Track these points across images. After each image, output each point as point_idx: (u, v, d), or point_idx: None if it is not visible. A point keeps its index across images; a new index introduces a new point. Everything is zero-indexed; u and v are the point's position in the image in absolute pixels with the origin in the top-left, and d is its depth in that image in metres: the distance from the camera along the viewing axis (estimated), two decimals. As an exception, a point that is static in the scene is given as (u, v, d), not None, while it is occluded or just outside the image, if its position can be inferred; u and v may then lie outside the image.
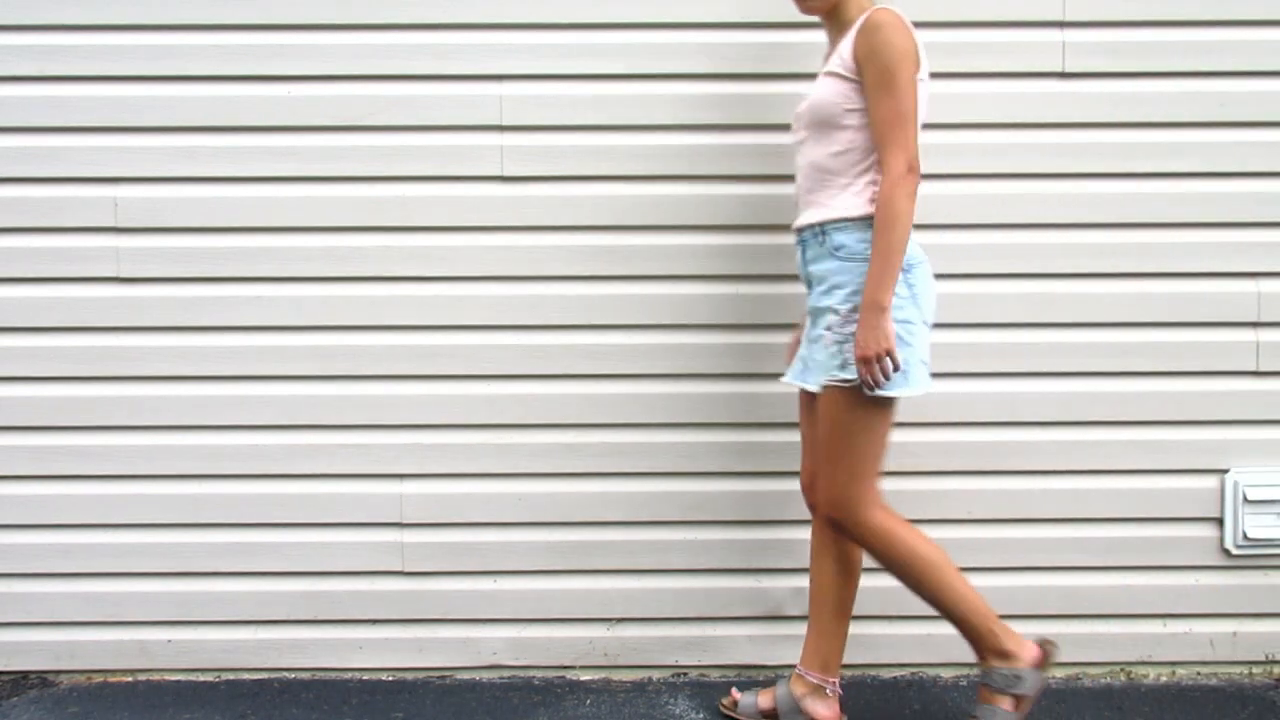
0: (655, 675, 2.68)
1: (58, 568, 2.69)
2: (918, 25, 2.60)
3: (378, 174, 2.64)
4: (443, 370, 2.66)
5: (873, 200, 2.14)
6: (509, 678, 2.69)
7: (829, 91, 2.16)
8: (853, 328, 2.11)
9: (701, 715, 2.47)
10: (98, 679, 2.71)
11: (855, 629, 2.68)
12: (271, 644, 2.70)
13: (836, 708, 2.33)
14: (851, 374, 2.11)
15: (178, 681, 2.69)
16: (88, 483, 2.68)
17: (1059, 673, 2.68)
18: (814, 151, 2.20)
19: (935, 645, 2.69)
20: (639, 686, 2.63)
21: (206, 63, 2.62)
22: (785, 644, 2.69)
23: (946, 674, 2.68)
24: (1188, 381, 2.66)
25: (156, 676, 2.71)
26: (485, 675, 2.70)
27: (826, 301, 2.17)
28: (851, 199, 2.16)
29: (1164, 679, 2.67)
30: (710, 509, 2.63)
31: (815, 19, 2.38)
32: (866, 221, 2.14)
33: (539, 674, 2.70)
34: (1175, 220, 2.64)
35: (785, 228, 2.60)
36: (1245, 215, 2.63)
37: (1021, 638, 2.22)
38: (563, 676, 2.69)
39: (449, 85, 2.62)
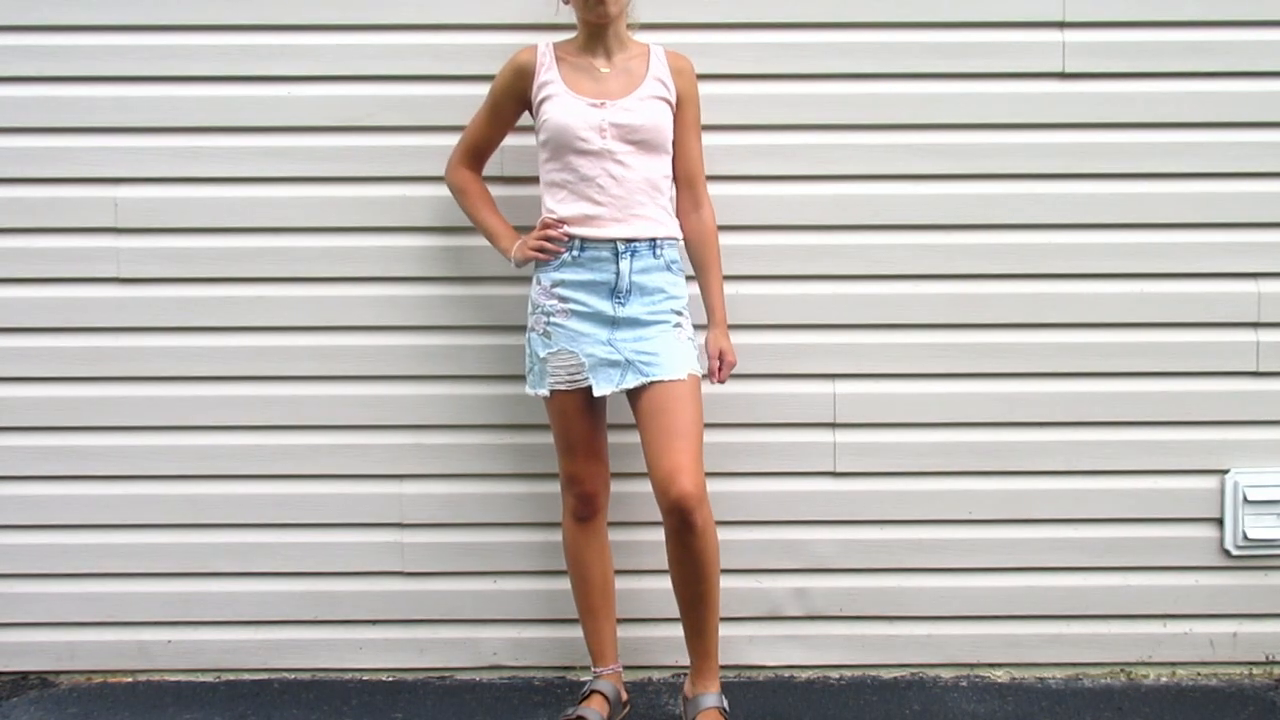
0: (655, 675, 2.68)
1: (58, 568, 2.69)
2: (918, 26, 2.61)
3: (378, 174, 2.64)
4: (443, 370, 2.66)
5: (674, 219, 2.39)
6: (509, 678, 2.69)
7: (661, 116, 2.34)
8: (691, 330, 2.35)
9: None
10: (98, 679, 2.71)
11: (856, 629, 2.69)
12: (271, 644, 2.70)
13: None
14: (702, 366, 2.37)
15: (178, 682, 2.69)
16: (88, 483, 2.68)
17: (1059, 673, 2.68)
18: (645, 168, 2.32)
19: (935, 645, 2.69)
20: (639, 687, 2.63)
21: (206, 63, 2.62)
22: (785, 644, 2.69)
23: (946, 674, 2.68)
24: (1188, 382, 2.66)
25: (156, 677, 2.71)
26: (485, 675, 2.70)
27: (666, 306, 2.32)
28: (671, 218, 2.38)
29: (1164, 679, 2.67)
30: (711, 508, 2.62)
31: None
32: (678, 242, 2.39)
33: (539, 674, 2.70)
34: (1175, 221, 2.64)
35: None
36: (1245, 215, 2.63)
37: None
38: (563, 676, 2.69)
39: (449, 86, 2.62)
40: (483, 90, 2.48)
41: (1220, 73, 2.61)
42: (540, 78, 2.35)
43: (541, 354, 2.33)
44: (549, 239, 2.32)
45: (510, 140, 2.52)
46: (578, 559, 2.44)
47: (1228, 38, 2.61)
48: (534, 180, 2.47)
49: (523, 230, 2.44)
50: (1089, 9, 2.60)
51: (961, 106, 2.62)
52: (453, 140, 2.55)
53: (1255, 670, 2.69)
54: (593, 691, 2.40)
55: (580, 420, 2.35)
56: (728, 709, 2.34)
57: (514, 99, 2.41)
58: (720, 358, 2.41)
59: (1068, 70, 2.61)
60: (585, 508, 2.42)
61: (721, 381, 2.42)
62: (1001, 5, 2.60)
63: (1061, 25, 2.61)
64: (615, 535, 2.52)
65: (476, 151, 2.48)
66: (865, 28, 2.61)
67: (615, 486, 2.48)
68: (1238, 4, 2.60)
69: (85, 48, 2.62)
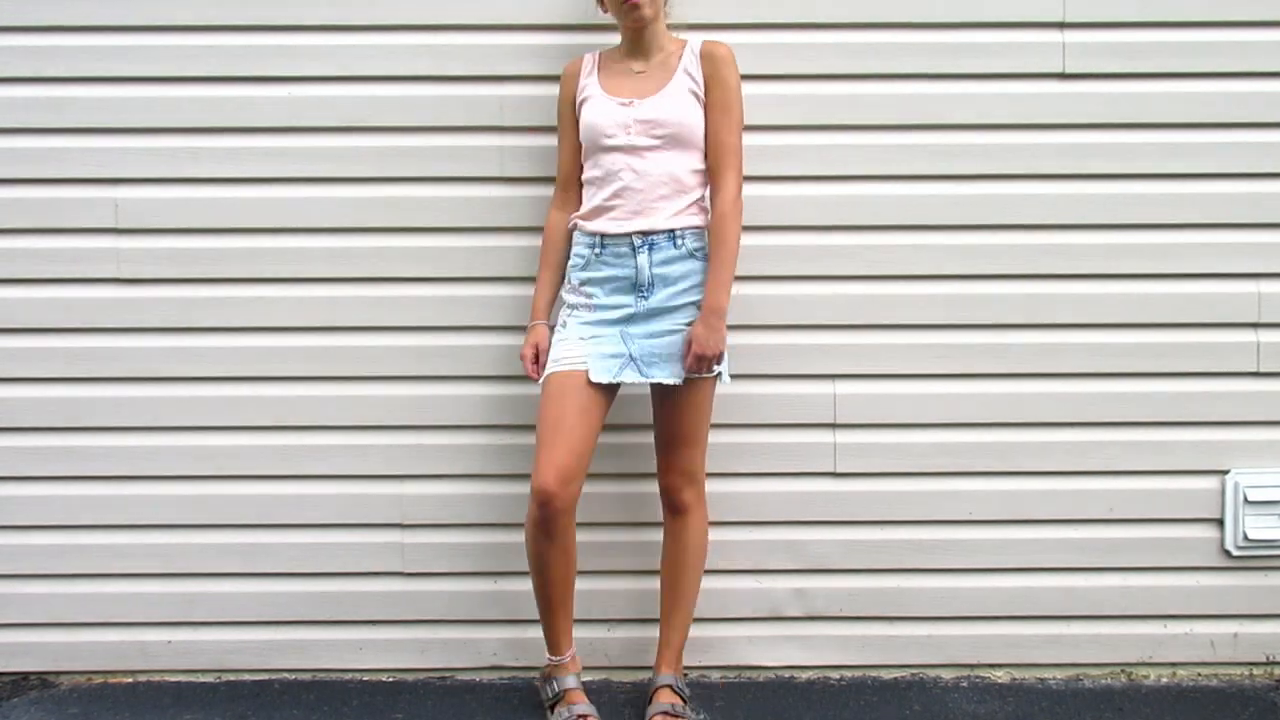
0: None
1: (58, 568, 2.69)
2: (918, 26, 2.61)
3: (377, 174, 2.64)
4: (443, 370, 2.66)
5: (705, 211, 2.38)
6: (509, 678, 2.69)
7: (691, 111, 2.34)
8: None
9: (702, 716, 2.47)
10: (98, 680, 2.71)
11: (856, 629, 2.69)
12: (272, 645, 2.70)
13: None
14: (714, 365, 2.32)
15: (178, 682, 2.69)
16: (88, 483, 2.68)
17: (1060, 674, 2.68)
18: (672, 162, 2.33)
19: (935, 645, 2.68)
20: (639, 687, 2.62)
21: (206, 63, 2.62)
22: (785, 644, 2.69)
23: (947, 675, 2.68)
24: (1188, 382, 2.66)
25: (156, 677, 2.71)
26: (485, 676, 2.70)
27: (691, 299, 2.34)
28: (699, 208, 2.37)
29: (1165, 680, 2.67)
30: (711, 509, 2.62)
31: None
32: (704, 230, 2.38)
33: (539, 674, 2.69)
34: (1175, 221, 2.64)
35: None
36: (1245, 216, 2.63)
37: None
38: (563, 677, 2.69)
39: (449, 85, 2.62)
40: (483, 90, 2.50)
41: (1220, 73, 2.61)
42: (581, 82, 2.42)
43: (557, 340, 2.39)
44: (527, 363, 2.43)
45: (510, 140, 2.53)
46: (539, 557, 2.33)
47: (1228, 38, 2.61)
48: (534, 180, 2.49)
49: (529, 233, 2.45)
50: (1089, 9, 2.60)
51: (961, 106, 2.62)
52: (452, 140, 2.57)
53: (1256, 671, 2.69)
54: (566, 691, 2.40)
55: (573, 401, 2.28)
56: (683, 689, 2.41)
57: (569, 106, 2.45)
58: (689, 344, 2.28)
59: (1068, 70, 2.61)
60: (542, 510, 2.27)
61: (694, 371, 2.29)
62: (1001, 5, 2.60)
63: (1061, 25, 2.61)
64: (614, 535, 2.52)
65: (565, 174, 2.47)
66: (865, 28, 2.61)
67: (615, 486, 2.49)
68: (1238, 4, 2.60)
69: (85, 48, 2.62)
